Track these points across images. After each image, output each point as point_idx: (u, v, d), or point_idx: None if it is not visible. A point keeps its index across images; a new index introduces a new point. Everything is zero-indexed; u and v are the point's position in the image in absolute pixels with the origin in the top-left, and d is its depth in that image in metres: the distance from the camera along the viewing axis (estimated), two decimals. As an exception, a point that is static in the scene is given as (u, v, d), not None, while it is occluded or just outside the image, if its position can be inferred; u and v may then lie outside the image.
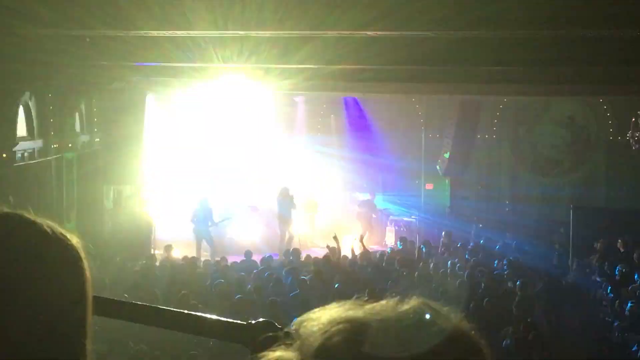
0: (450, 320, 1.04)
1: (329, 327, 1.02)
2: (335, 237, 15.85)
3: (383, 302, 1.06)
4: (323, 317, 1.04)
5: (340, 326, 1.01)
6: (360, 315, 1.03)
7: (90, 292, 1.28)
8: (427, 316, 1.03)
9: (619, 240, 15.60)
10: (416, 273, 13.88)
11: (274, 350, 1.08)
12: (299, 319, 1.07)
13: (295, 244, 18.69)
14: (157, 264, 15.25)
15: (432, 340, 1.00)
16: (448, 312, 1.06)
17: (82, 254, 1.28)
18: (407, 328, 1.01)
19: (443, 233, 18.66)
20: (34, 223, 1.26)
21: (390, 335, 0.99)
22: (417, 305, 1.05)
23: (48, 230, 1.26)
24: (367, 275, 13.87)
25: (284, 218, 19.71)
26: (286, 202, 19.76)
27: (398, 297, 1.07)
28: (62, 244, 1.26)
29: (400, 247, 17.83)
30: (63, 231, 1.29)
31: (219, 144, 22.07)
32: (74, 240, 1.29)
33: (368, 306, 1.05)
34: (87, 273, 1.28)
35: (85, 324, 1.27)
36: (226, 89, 17.67)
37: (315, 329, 1.03)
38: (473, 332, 1.07)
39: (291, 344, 1.06)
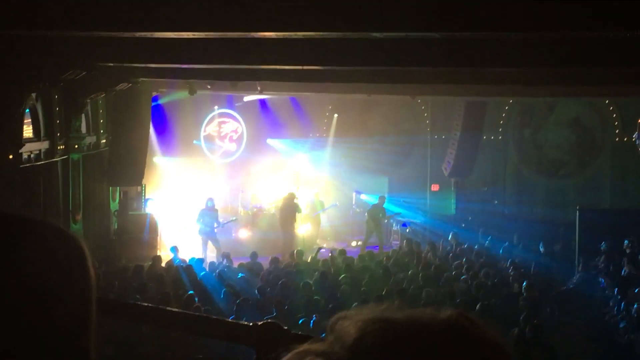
0: (486, 332, 1.04)
1: (366, 325, 1.02)
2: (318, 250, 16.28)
3: (420, 309, 1.06)
4: (360, 315, 1.04)
5: (378, 325, 1.01)
6: (398, 317, 1.03)
7: (95, 294, 1.29)
8: (462, 327, 1.02)
9: (626, 242, 15.57)
10: (420, 274, 13.85)
11: (304, 345, 1.07)
12: (335, 316, 1.07)
13: (299, 246, 18.69)
14: (163, 265, 15.27)
15: (470, 352, 1.00)
16: (483, 324, 1.05)
17: (88, 255, 1.29)
18: (444, 338, 1.00)
19: (450, 235, 18.64)
20: (40, 224, 1.27)
21: (426, 342, 0.99)
22: (456, 315, 1.05)
23: (54, 231, 1.27)
24: (373, 277, 13.84)
25: (288, 221, 19.70)
26: (291, 206, 19.75)
27: (434, 306, 1.07)
28: (69, 244, 1.27)
29: (406, 249, 17.80)
30: (69, 232, 1.29)
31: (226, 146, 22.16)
32: (80, 241, 1.29)
33: (406, 311, 1.05)
34: (93, 274, 1.28)
35: (90, 325, 1.27)
36: (232, 90, 17.70)
37: (351, 325, 1.03)
38: (508, 346, 1.07)
39: (321, 341, 1.05)
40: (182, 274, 13.60)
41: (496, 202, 22.08)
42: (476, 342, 1.01)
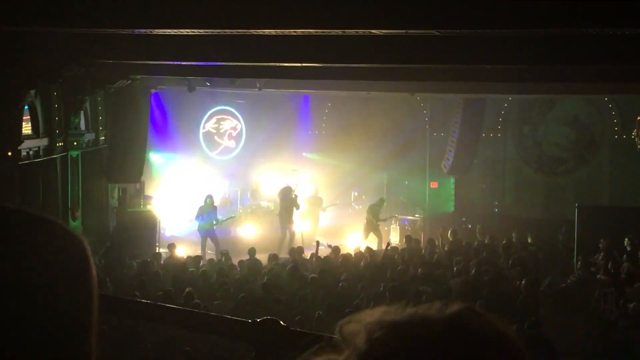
0: (497, 326, 1.03)
1: (373, 331, 1.02)
2: (317, 242, 16.31)
3: (427, 306, 1.06)
4: (368, 320, 1.04)
5: (385, 330, 1.01)
6: (403, 319, 1.03)
7: (96, 290, 1.29)
8: (471, 322, 1.02)
9: (626, 239, 15.57)
10: (419, 270, 13.86)
11: (319, 355, 1.07)
12: (343, 320, 1.07)
13: (298, 242, 18.70)
14: (162, 262, 15.29)
15: (480, 347, 1.00)
16: (493, 317, 1.05)
17: (89, 252, 1.29)
18: (451, 334, 1.00)
19: (449, 231, 18.65)
20: (41, 219, 1.27)
21: (433, 341, 0.99)
22: (464, 309, 1.05)
23: (55, 227, 1.27)
24: (372, 274, 13.85)
25: (286, 217, 19.70)
26: (288, 201, 19.74)
27: (444, 301, 1.07)
28: (70, 241, 1.27)
29: (405, 246, 17.81)
30: (71, 229, 1.30)
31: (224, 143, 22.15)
32: (81, 237, 1.29)
33: (412, 310, 1.05)
34: (94, 271, 1.29)
35: (91, 322, 1.27)
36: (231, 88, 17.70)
37: (360, 332, 1.03)
38: (519, 340, 1.06)
39: (335, 349, 1.05)
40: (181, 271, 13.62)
41: (496, 207, 22.09)
42: (484, 336, 1.01)
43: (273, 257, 15.30)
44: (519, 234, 18.60)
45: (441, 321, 1.02)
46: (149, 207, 18.91)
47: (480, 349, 0.99)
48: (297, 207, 20.02)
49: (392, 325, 1.01)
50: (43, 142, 14.33)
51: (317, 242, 16.59)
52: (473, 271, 13.89)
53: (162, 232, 18.93)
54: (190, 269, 14.05)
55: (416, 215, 21.88)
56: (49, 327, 1.20)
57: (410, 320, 1.02)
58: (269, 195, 21.53)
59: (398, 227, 21.32)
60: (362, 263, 15.08)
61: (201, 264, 15.05)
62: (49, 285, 1.21)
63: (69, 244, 1.27)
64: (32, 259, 1.21)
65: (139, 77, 15.87)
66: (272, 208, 20.90)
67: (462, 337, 1.00)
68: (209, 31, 9.03)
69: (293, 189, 20.13)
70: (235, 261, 15.35)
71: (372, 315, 1.05)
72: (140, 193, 19.17)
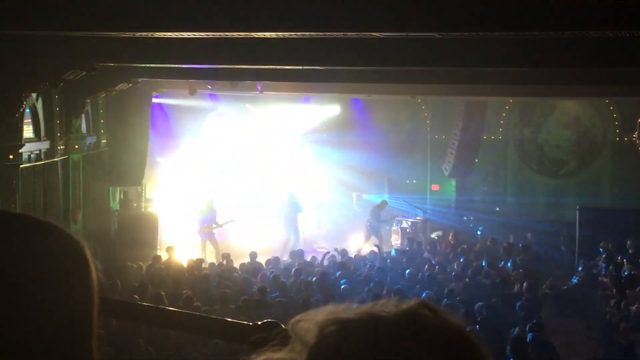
0: (449, 321, 1.03)
1: (322, 327, 1.01)
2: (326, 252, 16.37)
3: (382, 301, 1.06)
4: (318, 317, 1.04)
5: (334, 327, 1.01)
6: (353, 316, 1.02)
7: (97, 294, 1.29)
8: (421, 317, 1.02)
9: (628, 241, 15.56)
10: (419, 274, 13.86)
11: (266, 350, 1.07)
12: (294, 318, 1.07)
13: (300, 245, 18.69)
14: (163, 265, 15.28)
15: (429, 342, 0.99)
16: (447, 312, 1.05)
17: (90, 256, 1.29)
18: (401, 330, 1.00)
19: (450, 234, 18.64)
20: (42, 224, 1.27)
21: (381, 337, 0.99)
22: (416, 305, 1.04)
23: (56, 231, 1.27)
24: (373, 276, 13.84)
25: (289, 221, 19.69)
26: (292, 205, 19.74)
27: (398, 297, 1.07)
28: (71, 245, 1.27)
29: (407, 248, 17.81)
30: (71, 232, 1.30)
31: (227, 145, 22.15)
32: (82, 241, 1.29)
33: (366, 306, 1.05)
34: (95, 275, 1.29)
35: (92, 325, 1.27)
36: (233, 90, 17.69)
37: (310, 329, 1.03)
38: (473, 333, 1.06)
39: (285, 344, 1.05)
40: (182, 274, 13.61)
41: (497, 209, 22.08)
42: (437, 331, 1.00)
43: (275, 260, 15.30)
44: (520, 236, 18.59)
45: (392, 317, 1.01)
46: (150, 209, 18.92)
47: (429, 344, 0.98)
48: (300, 210, 20.05)
49: (342, 321, 1.01)
50: (44, 145, 14.34)
51: (327, 252, 16.57)
52: (475, 274, 13.89)
53: (163, 235, 18.92)
54: (191, 272, 14.06)
55: (417, 218, 21.86)
56: (50, 331, 1.20)
57: (360, 316, 1.02)
58: (271, 197, 21.52)
59: (399, 229, 21.31)
60: (362, 265, 15.08)
61: (201, 267, 15.04)
62: (50, 289, 1.21)
63: (69, 249, 1.27)
64: (32, 264, 1.21)
65: (140, 79, 15.87)
66: (274, 211, 20.88)
67: (412, 332, 0.99)
68: (209, 34, 9.04)
69: (296, 193, 20.14)
70: (236, 264, 15.35)
71: (324, 312, 1.05)
72: (141, 196, 19.18)
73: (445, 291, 12.38)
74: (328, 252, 16.81)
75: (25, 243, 1.23)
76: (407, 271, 14.17)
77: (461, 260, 15.43)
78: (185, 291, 11.71)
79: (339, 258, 15.85)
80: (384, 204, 20.49)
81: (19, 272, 1.19)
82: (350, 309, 1.04)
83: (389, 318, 1.01)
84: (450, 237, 18.34)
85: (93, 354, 1.27)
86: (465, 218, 21.37)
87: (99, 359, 1.29)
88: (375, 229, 19.88)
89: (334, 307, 1.06)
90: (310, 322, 1.04)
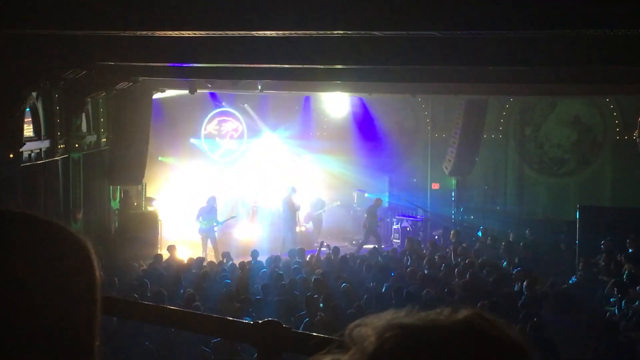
0: (504, 332, 1.03)
1: (383, 332, 1.01)
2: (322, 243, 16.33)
3: (437, 310, 1.06)
4: (377, 322, 1.04)
5: (395, 332, 1.01)
6: (414, 322, 1.02)
7: (100, 292, 1.29)
8: (480, 327, 1.02)
9: (628, 240, 15.55)
10: (419, 273, 13.85)
11: (323, 357, 1.07)
12: (352, 324, 1.07)
13: (300, 244, 18.69)
14: (164, 263, 15.28)
15: (488, 352, 0.99)
16: (502, 323, 1.05)
17: (93, 254, 1.29)
18: (462, 339, 1.00)
19: (451, 233, 18.64)
20: (44, 223, 1.27)
21: (444, 345, 0.99)
22: (471, 315, 1.04)
23: (59, 230, 1.27)
24: (373, 275, 13.84)
25: (288, 219, 19.69)
26: (291, 203, 19.74)
27: (452, 307, 1.06)
28: (73, 244, 1.27)
29: (407, 247, 17.81)
30: (74, 231, 1.30)
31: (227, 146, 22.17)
32: (84, 240, 1.30)
33: (422, 314, 1.05)
34: (97, 273, 1.29)
35: (94, 324, 1.28)
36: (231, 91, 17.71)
37: (369, 334, 1.03)
38: (529, 346, 1.06)
39: (343, 350, 1.05)
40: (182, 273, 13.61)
41: (498, 208, 22.08)
42: (495, 341, 1.01)
43: (275, 259, 15.30)
44: (520, 235, 18.59)
45: (452, 325, 1.02)
46: (150, 208, 18.93)
47: (492, 354, 0.99)
48: (299, 210, 20.06)
49: (402, 327, 1.01)
50: (45, 144, 14.34)
51: (322, 242, 16.57)
52: (475, 272, 13.88)
53: (163, 233, 18.93)
54: (193, 271, 14.06)
55: (418, 216, 21.87)
56: (52, 330, 1.20)
57: (420, 323, 1.02)
58: (271, 196, 21.53)
59: (400, 228, 21.32)
60: (363, 264, 15.07)
61: (202, 265, 15.04)
62: (52, 288, 1.21)
63: (72, 247, 1.27)
64: (35, 262, 1.21)
65: (140, 78, 15.87)
66: (274, 209, 20.88)
67: (474, 341, 1.00)
68: (211, 33, 9.04)
69: (294, 189, 20.12)
70: (236, 262, 15.34)
71: (381, 318, 1.05)
72: (142, 195, 19.19)
73: (446, 290, 12.38)
74: (323, 242, 16.90)
75: (28, 242, 1.23)
76: (408, 270, 14.18)
77: (460, 259, 15.43)
78: (188, 290, 11.70)
79: (331, 256, 15.90)
80: (379, 201, 20.47)
81: (22, 271, 1.20)
82: (410, 315, 1.04)
83: (450, 326, 1.01)
84: (450, 236, 18.34)
85: (94, 352, 1.27)
86: (465, 217, 21.39)
87: (100, 358, 1.29)
88: (372, 227, 19.89)
89: (393, 312, 1.06)
90: (368, 327, 1.04)
